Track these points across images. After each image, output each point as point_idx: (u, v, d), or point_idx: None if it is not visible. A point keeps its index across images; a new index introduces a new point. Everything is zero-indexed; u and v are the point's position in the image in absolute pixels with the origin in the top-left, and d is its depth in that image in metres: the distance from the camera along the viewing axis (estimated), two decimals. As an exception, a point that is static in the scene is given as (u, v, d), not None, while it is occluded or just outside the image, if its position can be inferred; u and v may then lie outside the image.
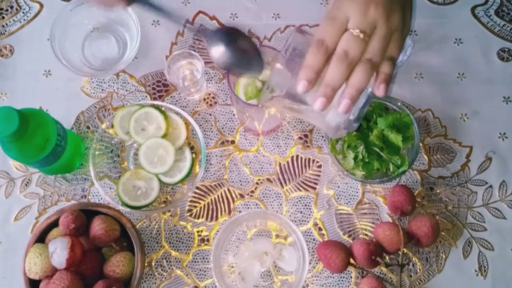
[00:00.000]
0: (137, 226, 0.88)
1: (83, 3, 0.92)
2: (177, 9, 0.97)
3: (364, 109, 0.63)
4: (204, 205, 0.89)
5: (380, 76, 0.60)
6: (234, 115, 0.93)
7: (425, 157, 0.90)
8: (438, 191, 0.89)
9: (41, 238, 0.79)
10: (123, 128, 0.88)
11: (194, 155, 0.89)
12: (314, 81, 0.59)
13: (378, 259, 0.80)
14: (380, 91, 0.60)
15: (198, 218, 0.88)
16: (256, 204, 0.89)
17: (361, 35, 0.58)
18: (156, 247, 0.87)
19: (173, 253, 0.87)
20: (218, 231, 0.87)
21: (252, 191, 0.89)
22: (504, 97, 0.93)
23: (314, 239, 0.87)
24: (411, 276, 0.86)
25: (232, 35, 0.65)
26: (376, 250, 0.81)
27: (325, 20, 0.60)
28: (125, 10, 0.67)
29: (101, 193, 0.85)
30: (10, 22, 0.98)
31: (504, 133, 0.91)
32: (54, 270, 0.74)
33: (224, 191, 0.89)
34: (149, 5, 0.66)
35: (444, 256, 0.86)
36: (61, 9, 0.92)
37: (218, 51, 0.64)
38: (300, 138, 0.91)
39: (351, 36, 0.58)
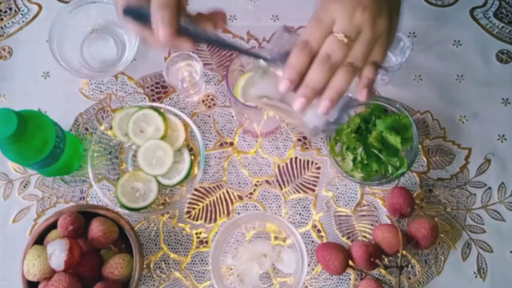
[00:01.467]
0: (136, 228, 0.88)
1: (82, 4, 0.93)
2: (176, 10, 0.97)
3: (343, 113, 0.63)
4: (203, 207, 0.89)
5: (363, 80, 0.60)
6: (233, 117, 0.93)
7: (424, 159, 0.90)
8: (437, 193, 0.89)
9: (40, 240, 0.78)
10: (122, 130, 0.88)
11: (192, 157, 0.89)
12: (296, 81, 0.59)
13: (377, 261, 0.80)
14: (362, 96, 0.60)
15: (197, 220, 0.88)
16: (255, 206, 0.89)
17: (345, 40, 0.58)
18: (155, 249, 0.87)
19: (172, 255, 0.87)
20: (216, 233, 0.87)
21: (251, 193, 0.89)
22: (503, 99, 0.93)
23: (313, 241, 0.87)
24: (410, 278, 0.85)
25: None
26: (375, 252, 0.81)
27: (311, 21, 0.60)
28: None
29: (99, 194, 0.85)
30: (8, 24, 0.98)
31: (503, 135, 0.91)
32: (53, 272, 0.74)
33: (223, 193, 0.89)
34: (213, 42, 0.65)
35: (443, 258, 0.86)
36: (59, 11, 0.92)
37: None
38: (299, 140, 0.91)
39: (335, 39, 0.58)
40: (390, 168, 0.82)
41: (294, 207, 0.88)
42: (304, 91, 0.59)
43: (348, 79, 0.59)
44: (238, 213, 0.88)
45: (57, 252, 0.73)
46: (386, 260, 0.84)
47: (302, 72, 0.59)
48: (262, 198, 0.89)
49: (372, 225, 0.88)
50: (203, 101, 0.94)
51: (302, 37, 0.60)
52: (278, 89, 0.60)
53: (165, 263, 0.86)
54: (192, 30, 0.62)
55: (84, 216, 0.79)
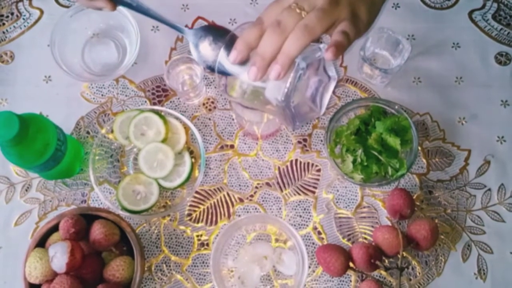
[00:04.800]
0: (137, 231, 0.88)
1: (83, 9, 0.93)
2: (176, 14, 0.98)
3: (298, 79, 0.60)
4: (204, 209, 0.89)
5: (331, 42, 0.58)
6: (233, 119, 0.93)
7: (424, 160, 0.90)
8: (437, 194, 0.89)
9: (41, 242, 0.79)
10: (123, 133, 0.89)
11: (193, 160, 0.89)
12: (244, 52, 0.59)
13: (378, 262, 0.80)
14: (328, 54, 0.58)
15: (198, 222, 0.88)
16: (256, 208, 0.89)
17: (297, 9, 0.57)
18: (156, 251, 0.87)
19: (173, 257, 0.87)
20: (217, 235, 0.87)
21: (252, 195, 0.90)
22: (502, 101, 0.93)
23: (313, 243, 0.87)
24: (410, 279, 0.86)
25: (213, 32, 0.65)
26: (375, 254, 0.81)
27: (270, 4, 0.61)
28: (113, 11, 0.70)
29: (101, 197, 0.86)
30: (10, 28, 0.98)
31: (502, 137, 0.92)
32: (54, 275, 0.74)
33: (224, 195, 0.90)
34: (135, 8, 0.68)
35: (443, 260, 0.86)
36: (61, 15, 0.93)
37: (207, 50, 0.64)
38: (299, 142, 0.92)
39: (285, 9, 0.58)
40: (390, 170, 0.83)
41: (295, 209, 0.89)
42: (255, 59, 0.58)
43: (300, 41, 0.57)
44: (239, 216, 0.89)
45: (59, 255, 0.73)
46: (386, 261, 0.84)
47: (251, 44, 0.59)
48: (263, 200, 0.89)
49: (372, 226, 0.88)
50: (203, 104, 0.94)
51: (259, 16, 0.60)
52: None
53: (166, 266, 0.87)
54: None
55: (86, 218, 0.79)
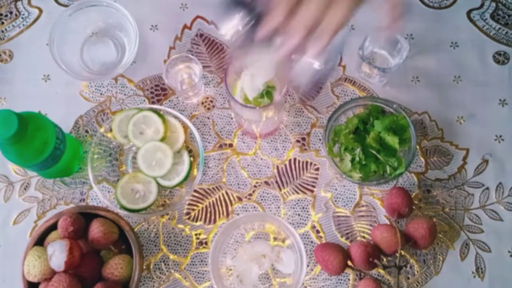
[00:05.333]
0: (136, 229, 0.88)
1: (82, 8, 0.93)
2: (175, 14, 0.98)
3: (332, 64, 0.59)
4: (202, 208, 0.89)
5: (389, 13, 0.56)
6: (232, 118, 0.93)
7: (422, 159, 0.91)
8: (435, 193, 0.89)
9: (40, 241, 0.79)
10: (122, 132, 0.89)
11: (192, 159, 0.90)
12: (277, 23, 0.56)
13: (376, 261, 0.80)
14: (395, 27, 0.57)
15: (196, 221, 0.89)
16: (254, 207, 0.89)
17: None
18: (155, 250, 0.87)
19: (171, 256, 0.87)
20: (216, 234, 0.87)
21: (250, 194, 0.90)
22: (500, 100, 0.93)
23: (312, 242, 0.88)
24: (408, 278, 0.86)
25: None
26: (373, 252, 0.81)
27: None
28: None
29: (99, 196, 0.86)
30: (9, 27, 0.98)
31: (500, 136, 0.92)
32: (53, 273, 0.74)
33: (222, 194, 0.90)
34: None
35: (441, 258, 0.87)
36: (60, 14, 0.93)
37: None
38: (298, 141, 0.92)
39: None
40: (388, 169, 0.83)
41: (293, 208, 0.89)
42: (295, 29, 0.54)
43: (347, 10, 0.54)
44: (238, 214, 0.89)
45: (57, 253, 0.73)
46: (384, 260, 0.85)
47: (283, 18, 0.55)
48: (261, 199, 0.89)
49: (370, 225, 0.88)
50: (202, 103, 0.94)
51: None
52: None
53: (165, 264, 0.87)
54: None
55: (84, 217, 0.79)
